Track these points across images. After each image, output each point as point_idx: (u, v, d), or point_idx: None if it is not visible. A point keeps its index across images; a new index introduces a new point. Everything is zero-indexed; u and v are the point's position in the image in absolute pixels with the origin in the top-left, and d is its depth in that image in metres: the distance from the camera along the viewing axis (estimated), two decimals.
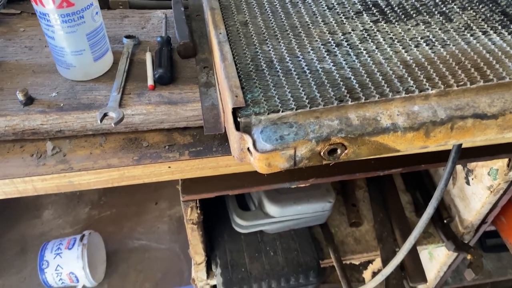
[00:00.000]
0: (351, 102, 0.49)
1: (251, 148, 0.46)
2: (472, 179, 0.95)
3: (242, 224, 0.92)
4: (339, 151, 0.48)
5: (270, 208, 0.91)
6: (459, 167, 1.01)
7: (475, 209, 0.95)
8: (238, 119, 0.48)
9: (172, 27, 0.76)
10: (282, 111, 0.48)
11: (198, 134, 0.65)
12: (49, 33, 0.60)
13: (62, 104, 0.62)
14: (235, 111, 0.48)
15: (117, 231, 1.76)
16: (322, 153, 0.48)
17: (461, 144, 0.62)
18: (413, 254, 1.01)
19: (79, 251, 1.48)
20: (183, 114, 0.63)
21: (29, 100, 0.61)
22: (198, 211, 0.74)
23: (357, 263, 1.35)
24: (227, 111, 0.50)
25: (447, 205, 1.09)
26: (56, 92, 0.64)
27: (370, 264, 1.35)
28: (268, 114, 0.48)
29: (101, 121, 0.59)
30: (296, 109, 0.48)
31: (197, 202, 0.73)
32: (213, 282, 0.97)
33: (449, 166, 0.64)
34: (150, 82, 0.64)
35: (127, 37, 0.72)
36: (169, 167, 0.63)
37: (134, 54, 0.71)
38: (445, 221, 1.07)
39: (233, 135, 0.48)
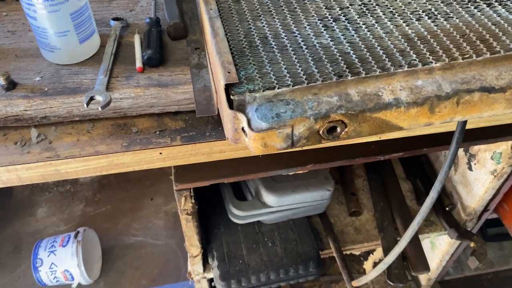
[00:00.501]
0: (350, 77, 0.46)
1: (246, 128, 0.43)
2: (475, 164, 0.92)
3: (239, 215, 0.89)
4: (339, 129, 0.45)
5: (268, 197, 0.89)
6: (460, 153, 0.98)
7: (478, 195, 0.92)
8: (232, 97, 0.45)
9: (162, 9, 0.73)
10: (278, 88, 0.46)
11: (191, 119, 0.63)
12: (31, 12, 0.57)
13: (46, 89, 0.59)
14: (228, 89, 0.45)
15: (113, 227, 1.73)
16: (321, 132, 0.45)
17: (465, 124, 0.59)
18: (415, 243, 0.98)
19: (73, 248, 1.45)
20: (174, 97, 0.60)
21: (11, 85, 0.58)
22: (193, 201, 0.72)
23: (357, 253, 1.32)
24: (220, 88, 0.47)
25: (449, 192, 1.06)
26: (40, 77, 0.61)
27: (371, 255, 1.32)
28: (263, 91, 0.45)
29: (87, 105, 0.56)
30: (293, 86, 0.46)
31: (191, 191, 0.70)
32: (210, 275, 0.94)
33: (453, 147, 0.61)
34: (138, 64, 0.61)
35: (115, 19, 0.69)
36: (160, 153, 0.60)
37: (122, 37, 0.68)
38: (447, 209, 1.04)
39: (227, 114, 0.46)
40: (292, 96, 0.45)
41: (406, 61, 0.48)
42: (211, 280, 0.99)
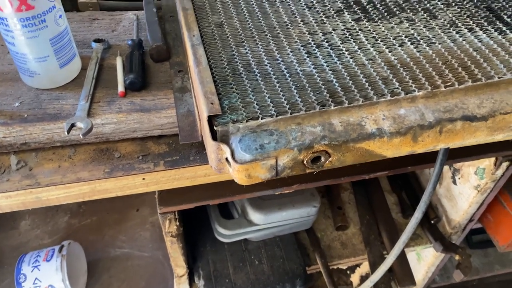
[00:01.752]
0: (333, 106, 0.46)
1: (230, 159, 0.43)
2: (459, 178, 0.93)
3: (225, 234, 0.89)
4: (323, 159, 0.45)
5: (254, 215, 0.88)
6: (445, 167, 0.99)
7: (463, 209, 0.93)
8: (215, 128, 0.44)
9: (144, 29, 0.72)
10: (262, 118, 0.45)
11: (174, 143, 0.62)
12: (9, 38, 0.55)
13: (26, 115, 0.58)
14: (211, 119, 0.45)
15: (98, 239, 1.70)
16: (305, 162, 0.45)
17: (448, 147, 0.60)
18: (401, 257, 0.99)
19: (58, 263, 1.42)
20: (157, 122, 0.60)
21: None
22: (177, 223, 0.71)
23: (344, 267, 1.32)
24: (203, 119, 0.47)
25: (434, 205, 1.07)
26: (20, 102, 0.59)
27: (358, 268, 1.32)
28: (246, 121, 0.45)
29: (68, 132, 0.55)
30: (276, 116, 0.45)
31: (176, 213, 0.69)
32: None
33: (437, 168, 0.62)
34: (120, 88, 0.60)
35: (96, 41, 0.68)
36: (144, 179, 0.59)
37: (103, 59, 0.67)
38: (432, 222, 1.05)
39: (210, 145, 0.45)
40: (275, 126, 0.45)
41: (389, 89, 0.48)
42: None
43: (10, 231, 1.72)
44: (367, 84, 0.49)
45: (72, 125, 0.55)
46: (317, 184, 0.73)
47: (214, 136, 0.45)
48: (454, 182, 0.95)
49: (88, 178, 0.57)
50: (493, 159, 0.80)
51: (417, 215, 0.66)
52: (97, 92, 0.61)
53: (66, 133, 0.55)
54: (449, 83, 0.48)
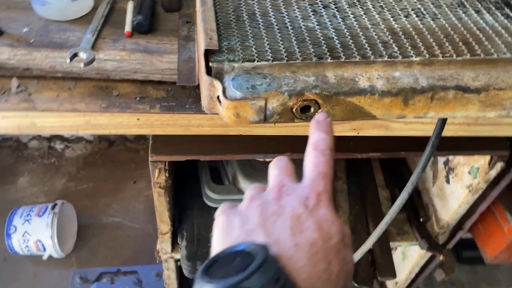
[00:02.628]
0: (330, 60, 0.47)
1: (221, 95, 0.44)
2: (453, 177, 0.93)
3: (213, 198, 0.89)
4: (312, 109, 0.46)
5: (244, 183, 0.89)
6: (440, 166, 0.99)
7: (452, 209, 0.93)
8: (210, 64, 0.45)
9: None
10: (258, 61, 0.46)
11: (173, 90, 0.63)
12: None
13: (32, 40, 0.59)
14: (208, 55, 0.46)
15: (92, 205, 1.72)
16: (294, 110, 0.46)
17: (442, 128, 0.60)
18: (385, 249, 0.99)
19: (49, 219, 1.43)
20: (159, 66, 0.60)
21: None
22: (167, 175, 0.72)
23: None
24: (200, 54, 0.48)
25: (425, 204, 1.07)
26: (28, 28, 0.61)
27: None
28: (242, 62, 0.46)
29: (70, 60, 0.56)
30: (272, 61, 0.46)
31: (166, 164, 0.70)
32: (177, 256, 0.94)
33: (428, 150, 0.62)
34: (127, 28, 0.62)
35: None
36: (138, 119, 0.60)
37: (116, 2, 0.68)
38: (421, 220, 1.04)
39: (204, 80, 0.46)
40: (270, 71, 0.46)
41: (388, 52, 0.49)
42: (178, 261, 0.98)
43: (8, 185, 1.74)
44: (367, 44, 0.49)
45: (75, 55, 0.57)
46: None
47: (209, 72, 0.45)
48: (448, 181, 0.95)
49: (84, 110, 0.58)
50: (488, 158, 0.80)
51: (403, 195, 0.66)
52: (104, 29, 0.62)
53: (68, 60, 0.56)
54: (448, 54, 0.49)
